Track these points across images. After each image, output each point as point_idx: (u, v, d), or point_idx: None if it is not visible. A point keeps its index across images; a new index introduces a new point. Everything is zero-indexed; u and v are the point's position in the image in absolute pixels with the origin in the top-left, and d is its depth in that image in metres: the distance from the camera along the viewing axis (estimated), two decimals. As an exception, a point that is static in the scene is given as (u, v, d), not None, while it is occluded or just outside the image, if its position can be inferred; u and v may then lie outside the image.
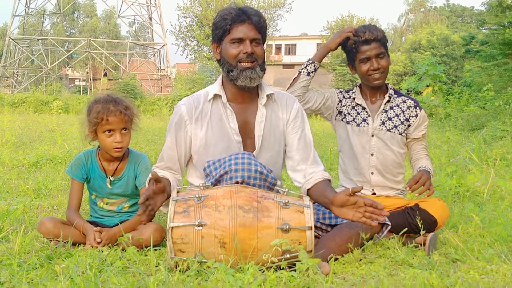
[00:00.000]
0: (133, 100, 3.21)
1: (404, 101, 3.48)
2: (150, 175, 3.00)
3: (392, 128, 3.42)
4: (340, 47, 3.48)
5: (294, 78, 3.44)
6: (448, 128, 11.41)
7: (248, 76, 2.89)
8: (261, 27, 2.96)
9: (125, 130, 3.14)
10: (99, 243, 2.93)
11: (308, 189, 2.92)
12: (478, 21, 21.95)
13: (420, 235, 2.97)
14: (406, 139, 3.47)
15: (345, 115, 3.49)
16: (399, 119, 3.43)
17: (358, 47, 3.36)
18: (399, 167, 3.47)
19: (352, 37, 3.36)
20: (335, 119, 3.54)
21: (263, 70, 2.97)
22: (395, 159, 3.43)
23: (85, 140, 3.20)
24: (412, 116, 3.45)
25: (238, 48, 2.90)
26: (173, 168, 3.03)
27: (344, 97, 3.53)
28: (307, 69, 3.42)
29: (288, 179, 5.19)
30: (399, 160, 3.45)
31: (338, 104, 3.52)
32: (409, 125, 3.45)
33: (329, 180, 2.95)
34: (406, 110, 3.45)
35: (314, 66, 3.45)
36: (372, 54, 3.33)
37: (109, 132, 3.10)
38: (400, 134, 3.43)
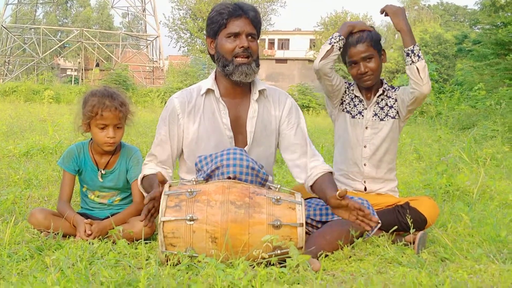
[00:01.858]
0: (125, 91, 3.20)
1: (393, 90, 3.51)
2: (141, 174, 3.01)
3: (384, 117, 3.45)
4: None
5: (328, 50, 3.30)
6: (439, 126, 11.45)
7: (243, 72, 2.90)
8: (257, 22, 2.97)
9: (118, 126, 3.13)
10: (89, 235, 2.93)
11: (311, 186, 2.94)
12: (471, 20, 22.07)
13: (410, 233, 2.98)
14: (399, 117, 3.47)
15: (345, 105, 3.51)
16: (388, 106, 3.46)
17: (347, 50, 3.37)
18: (392, 156, 3.51)
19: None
20: (338, 108, 3.55)
21: (258, 65, 2.98)
22: (388, 149, 3.47)
23: (78, 131, 3.19)
24: (396, 90, 3.49)
25: (234, 42, 2.91)
26: (166, 163, 3.03)
27: (347, 87, 3.55)
28: (339, 44, 3.32)
29: (279, 174, 5.20)
30: (391, 149, 3.49)
31: (343, 94, 3.54)
32: (396, 100, 3.46)
33: (331, 172, 2.98)
34: (392, 94, 3.48)
35: (344, 42, 3.35)
36: (359, 58, 3.33)
37: (102, 127, 3.09)
38: (393, 118, 3.45)
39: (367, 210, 2.63)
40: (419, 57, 3.22)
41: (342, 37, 3.32)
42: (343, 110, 3.52)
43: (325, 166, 2.99)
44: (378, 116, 3.46)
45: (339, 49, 3.34)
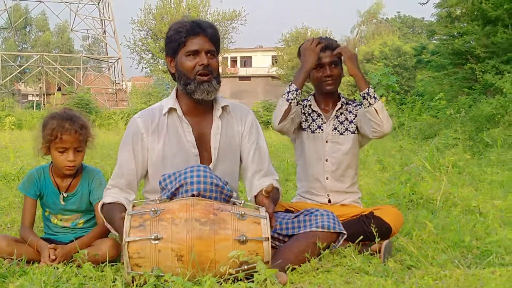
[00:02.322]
0: (88, 114, 3.17)
1: (355, 106, 3.56)
2: (101, 201, 2.97)
3: (344, 131, 3.50)
4: (296, 54, 3.55)
5: (286, 110, 3.26)
6: (402, 137, 11.60)
7: (205, 90, 2.90)
8: (215, 40, 2.98)
9: (79, 150, 3.09)
10: (54, 260, 2.88)
11: (255, 196, 2.96)
12: (428, 31, 22.40)
13: (375, 242, 3.01)
14: (359, 132, 3.51)
15: (303, 123, 3.53)
16: (348, 120, 3.51)
17: None
18: (354, 170, 3.54)
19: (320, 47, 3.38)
20: (296, 131, 3.56)
21: (219, 82, 2.98)
22: (349, 163, 3.50)
23: (38, 154, 3.15)
24: (358, 106, 3.54)
25: (194, 60, 2.91)
26: (130, 186, 2.99)
27: (303, 107, 3.57)
28: (297, 99, 3.30)
29: (245, 190, 5.20)
30: (353, 163, 3.53)
31: (300, 110, 3.56)
32: (356, 115, 3.51)
33: (277, 188, 3.03)
34: (353, 109, 3.54)
35: (300, 94, 3.33)
36: (326, 62, 3.40)
37: (62, 151, 3.06)
38: (353, 133, 3.50)
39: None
40: (375, 98, 3.26)
41: (299, 90, 3.31)
42: (301, 129, 3.55)
43: (272, 182, 2.99)
44: (338, 130, 3.50)
45: (297, 104, 3.33)
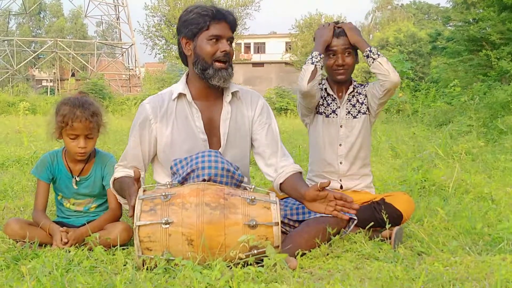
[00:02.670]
0: (101, 100, 3.18)
1: (364, 87, 3.56)
2: (113, 177, 3.00)
3: (357, 114, 3.49)
4: (312, 38, 3.54)
5: (312, 71, 3.29)
6: (415, 124, 11.55)
7: (223, 77, 2.91)
8: (234, 28, 3.00)
9: (89, 136, 3.10)
10: (66, 243, 2.91)
11: (281, 184, 2.95)
12: (443, 18, 22.25)
13: (386, 229, 3.01)
14: (370, 112, 3.52)
15: (319, 107, 3.53)
16: (360, 102, 3.51)
17: None
18: (366, 151, 3.54)
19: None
20: (313, 112, 3.56)
21: (233, 69, 2.99)
22: (361, 144, 3.50)
23: (51, 138, 3.17)
24: (366, 87, 3.55)
25: (215, 45, 2.91)
26: (138, 167, 3.02)
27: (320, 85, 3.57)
28: (320, 63, 3.34)
29: (256, 176, 5.21)
30: (365, 144, 3.53)
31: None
32: (366, 96, 3.51)
33: (300, 172, 2.99)
34: (362, 91, 3.54)
35: (322, 59, 3.38)
36: (339, 49, 3.38)
37: (73, 137, 3.07)
38: (364, 113, 3.50)
39: (349, 198, 2.65)
40: (378, 54, 3.32)
41: (322, 55, 3.35)
42: (317, 113, 3.54)
43: (295, 166, 3.00)
44: (351, 114, 3.49)
45: (321, 68, 3.37)
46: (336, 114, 3.49)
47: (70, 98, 3.13)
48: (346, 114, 3.49)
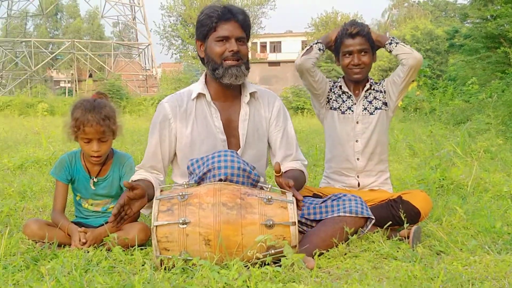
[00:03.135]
0: (118, 101, 3.19)
1: (381, 83, 3.57)
2: (130, 179, 3.01)
3: (374, 111, 3.49)
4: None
5: (307, 49, 3.46)
6: (433, 122, 11.48)
7: (233, 74, 2.90)
8: (246, 26, 2.97)
9: (103, 140, 3.10)
10: (84, 243, 2.92)
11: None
12: (461, 15, 22.10)
13: (404, 228, 2.99)
14: (391, 101, 3.52)
15: (332, 102, 3.54)
16: (377, 98, 3.51)
17: (343, 40, 3.42)
18: (383, 147, 3.54)
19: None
20: (325, 107, 3.57)
21: (248, 68, 2.99)
22: (379, 142, 3.49)
23: (68, 139, 3.18)
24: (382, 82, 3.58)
25: (223, 46, 2.91)
26: (157, 167, 3.03)
27: (333, 86, 3.59)
28: (318, 46, 3.47)
29: (273, 176, 5.20)
30: (382, 142, 3.52)
31: (329, 92, 3.57)
32: (384, 91, 3.52)
33: (301, 171, 3.04)
34: (379, 87, 3.55)
35: (322, 46, 3.49)
36: (355, 49, 3.39)
37: (86, 141, 3.08)
38: (380, 108, 3.50)
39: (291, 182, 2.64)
40: (398, 42, 3.39)
41: (321, 43, 3.49)
42: (330, 108, 3.55)
43: (297, 165, 3.05)
44: (368, 110, 3.49)
45: (319, 50, 3.46)
46: (352, 111, 3.49)
47: (84, 100, 3.12)
48: (363, 111, 3.49)
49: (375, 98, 3.51)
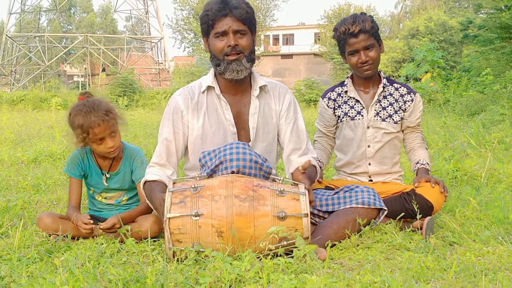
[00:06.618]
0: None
1: (397, 89, 3.47)
2: (144, 178, 2.99)
3: (387, 118, 3.41)
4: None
5: None
6: (447, 113, 11.41)
7: (234, 69, 2.90)
8: (245, 18, 2.92)
9: (113, 134, 3.11)
10: (90, 229, 2.95)
11: (292, 174, 2.96)
12: (475, 5, 21.90)
13: (417, 219, 2.98)
14: (402, 128, 3.47)
15: (340, 114, 3.49)
16: (393, 108, 3.42)
17: (346, 40, 3.34)
18: (396, 153, 3.49)
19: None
20: (336, 125, 3.55)
21: (250, 61, 2.96)
22: (391, 146, 3.44)
23: (76, 147, 3.18)
24: (407, 101, 3.43)
25: (222, 41, 2.91)
26: (171, 162, 3.01)
27: (334, 100, 3.52)
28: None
29: (284, 168, 5.20)
30: (395, 145, 3.47)
31: (333, 113, 3.52)
32: (404, 111, 3.43)
33: (314, 166, 3.02)
34: (399, 98, 3.44)
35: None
36: (360, 47, 3.30)
37: (99, 141, 3.09)
38: (395, 123, 3.42)
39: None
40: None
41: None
42: (340, 121, 3.50)
43: (309, 159, 3.01)
44: (380, 116, 3.41)
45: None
46: (362, 116, 3.43)
47: (77, 106, 3.11)
48: (374, 116, 3.42)
49: (391, 105, 3.43)
